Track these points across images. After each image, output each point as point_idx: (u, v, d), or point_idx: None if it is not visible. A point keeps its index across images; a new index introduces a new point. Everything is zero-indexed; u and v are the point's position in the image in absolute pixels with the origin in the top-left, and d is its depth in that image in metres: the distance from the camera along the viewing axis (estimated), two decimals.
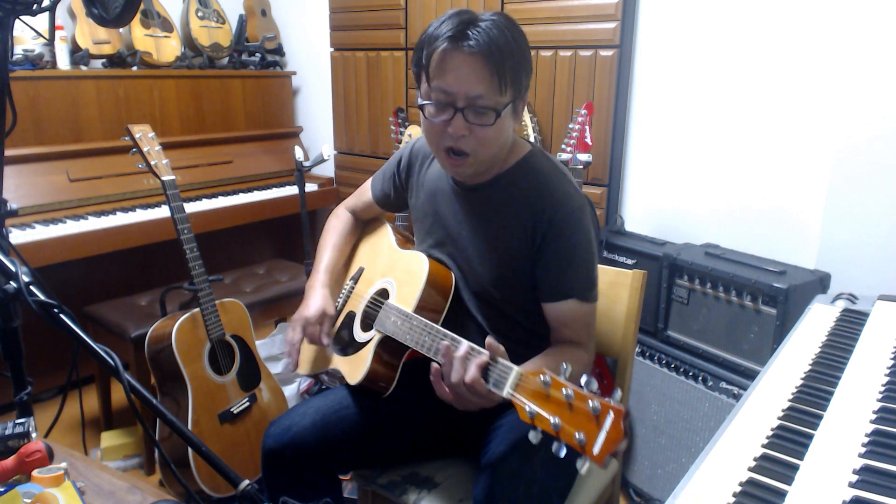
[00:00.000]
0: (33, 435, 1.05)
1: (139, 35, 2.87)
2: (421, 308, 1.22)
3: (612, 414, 0.81)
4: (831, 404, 0.93)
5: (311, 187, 3.19)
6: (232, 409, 1.92)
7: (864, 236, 1.82)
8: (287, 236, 3.52)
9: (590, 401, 0.83)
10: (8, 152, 1.52)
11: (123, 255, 2.57)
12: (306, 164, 2.17)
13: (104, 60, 2.79)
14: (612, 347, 1.46)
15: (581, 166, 2.08)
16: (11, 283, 0.99)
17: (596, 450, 0.81)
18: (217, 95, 3.13)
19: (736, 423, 0.89)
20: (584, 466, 0.81)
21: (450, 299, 1.27)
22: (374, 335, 1.27)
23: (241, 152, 3.16)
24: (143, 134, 1.83)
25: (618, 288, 1.45)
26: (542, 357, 1.17)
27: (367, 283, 1.42)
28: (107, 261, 2.57)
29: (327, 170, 3.38)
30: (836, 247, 1.88)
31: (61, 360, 2.52)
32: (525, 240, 1.21)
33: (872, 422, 0.87)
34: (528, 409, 0.89)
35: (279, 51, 3.54)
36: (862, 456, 0.79)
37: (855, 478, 0.74)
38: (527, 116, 2.41)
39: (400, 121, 2.80)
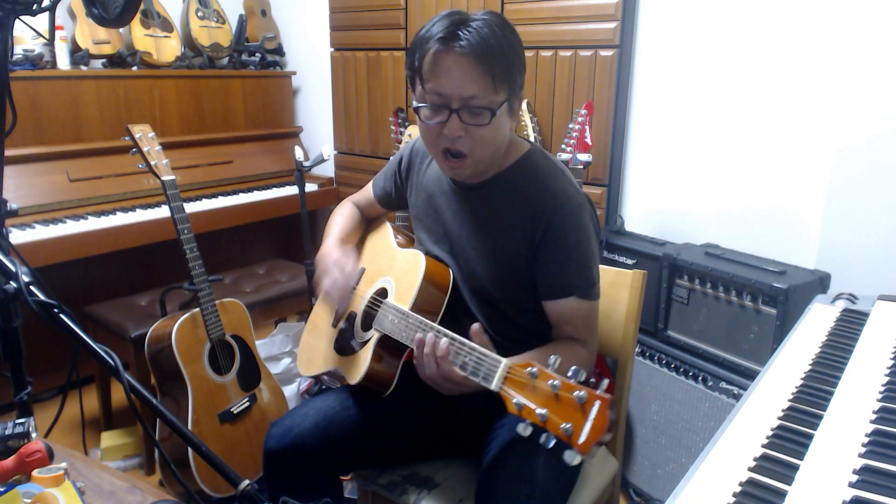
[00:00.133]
0: (33, 435, 1.05)
1: (139, 35, 2.87)
2: (418, 306, 1.22)
3: (598, 403, 0.81)
4: (831, 404, 0.93)
5: (311, 187, 3.19)
6: (232, 409, 1.92)
7: (864, 236, 1.82)
8: (287, 236, 3.52)
9: (576, 391, 0.83)
10: (8, 152, 1.52)
11: (123, 255, 2.57)
12: (306, 164, 2.17)
13: (104, 60, 2.79)
14: (612, 347, 1.46)
15: (581, 166, 2.08)
16: (11, 283, 0.99)
17: (582, 439, 0.80)
18: (217, 95, 3.13)
19: (736, 423, 0.89)
20: (573, 458, 0.80)
21: (447, 297, 1.27)
22: (373, 334, 1.27)
23: (241, 152, 3.16)
24: (143, 134, 1.83)
25: (618, 288, 1.45)
26: (536, 351, 1.17)
27: (368, 282, 1.42)
28: (107, 261, 2.57)
29: (327, 170, 3.38)
30: (836, 247, 1.88)
31: (61, 360, 2.51)
32: (524, 239, 1.21)
33: (872, 422, 0.87)
34: (515, 400, 0.89)
35: (279, 51, 3.54)
36: (862, 456, 0.79)
37: (855, 478, 0.74)
38: (527, 116, 2.41)
39: (400, 121, 2.81)
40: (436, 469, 1.37)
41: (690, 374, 1.89)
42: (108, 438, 2.24)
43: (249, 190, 3.02)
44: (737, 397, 1.77)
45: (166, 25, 2.99)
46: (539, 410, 0.85)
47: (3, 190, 1.34)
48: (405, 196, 1.46)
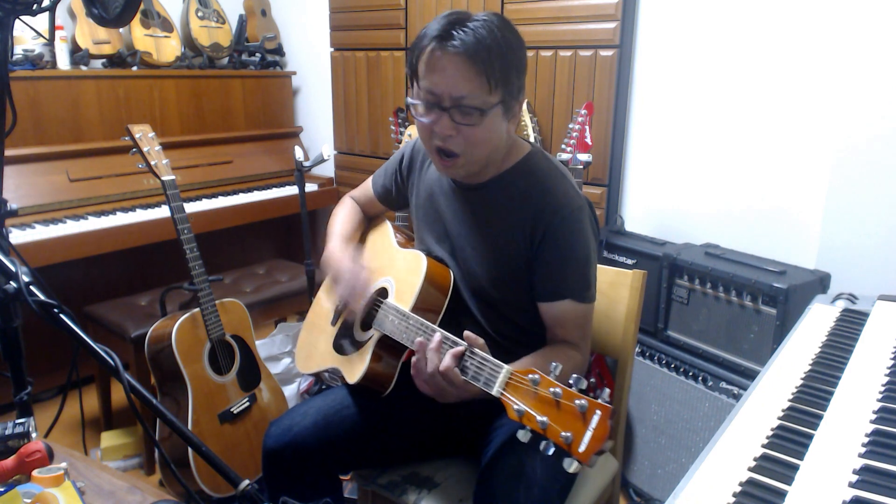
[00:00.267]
0: (33, 435, 1.05)
1: (139, 35, 2.87)
2: (419, 307, 1.22)
3: (598, 412, 0.81)
4: (831, 404, 0.93)
5: (311, 187, 3.19)
6: (232, 409, 1.92)
7: (864, 236, 1.82)
8: (287, 236, 3.52)
9: (577, 399, 0.83)
10: (8, 152, 1.52)
11: (123, 255, 2.57)
12: (306, 164, 2.17)
13: (104, 60, 2.79)
14: (612, 347, 1.46)
15: (581, 166, 2.08)
16: (11, 283, 0.99)
17: (582, 448, 0.81)
18: (217, 95, 3.13)
19: (736, 423, 0.89)
20: (571, 465, 0.81)
21: (448, 298, 1.27)
22: (372, 334, 1.27)
23: (241, 152, 3.16)
24: (143, 134, 1.83)
25: (618, 288, 1.45)
26: (533, 356, 1.17)
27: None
28: (107, 261, 2.57)
29: (327, 170, 3.38)
30: (836, 247, 1.88)
31: (61, 360, 2.51)
32: (523, 241, 1.20)
33: (872, 422, 0.87)
34: (516, 407, 0.90)
35: (279, 51, 3.54)
36: (862, 456, 0.79)
37: (855, 478, 0.74)
38: (527, 116, 2.41)
39: (400, 121, 2.81)
40: (436, 469, 1.37)
41: (690, 374, 1.89)
42: (108, 438, 2.24)
43: (249, 190, 3.02)
44: (737, 397, 1.77)
45: (166, 25, 2.99)
46: (540, 418, 0.85)
47: (3, 190, 1.34)
48: (405, 194, 1.46)
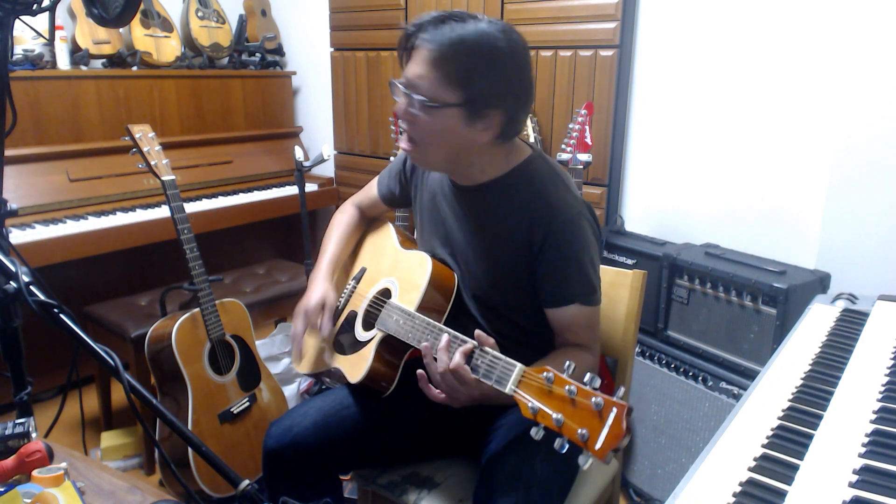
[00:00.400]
0: (33, 435, 1.05)
1: (139, 35, 2.87)
2: (423, 308, 1.22)
3: (615, 410, 0.82)
4: (831, 404, 0.93)
5: (311, 187, 3.19)
6: (232, 409, 1.92)
7: (864, 236, 1.82)
8: (287, 236, 3.52)
9: (593, 397, 0.83)
10: (8, 152, 1.52)
11: (123, 255, 2.56)
12: (306, 164, 2.17)
13: (104, 60, 2.79)
14: (612, 347, 1.46)
15: (581, 166, 2.08)
16: (11, 283, 0.99)
17: (598, 445, 0.81)
18: (217, 95, 3.13)
19: (736, 423, 0.89)
20: (586, 463, 0.81)
21: (452, 300, 1.27)
22: (375, 334, 1.27)
23: (241, 152, 3.16)
24: (143, 134, 1.83)
25: (618, 288, 1.45)
26: (545, 359, 1.17)
27: (370, 282, 1.42)
28: (107, 261, 2.57)
29: (327, 170, 3.38)
30: (836, 247, 1.88)
31: (61, 360, 2.51)
32: (521, 247, 1.20)
33: (872, 422, 0.87)
34: (530, 405, 0.90)
35: (279, 51, 3.54)
36: (862, 456, 0.79)
37: (855, 478, 0.74)
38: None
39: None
40: (436, 469, 1.37)
41: (690, 374, 1.89)
42: (108, 438, 2.24)
43: (249, 190, 3.02)
44: (737, 397, 1.77)
45: (166, 25, 2.99)
46: (555, 415, 0.86)
47: (3, 190, 1.34)
48: (409, 195, 1.46)
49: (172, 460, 1.85)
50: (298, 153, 2.17)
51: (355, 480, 1.44)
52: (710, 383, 1.84)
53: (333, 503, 1.32)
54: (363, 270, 1.48)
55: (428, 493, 1.30)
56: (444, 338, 1.07)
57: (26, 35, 2.48)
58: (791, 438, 0.84)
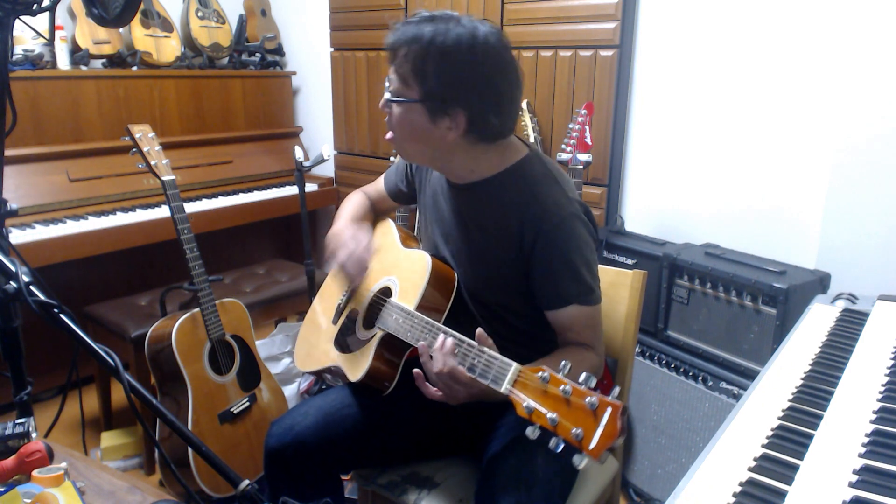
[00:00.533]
0: (33, 435, 1.05)
1: (139, 35, 2.87)
2: (423, 306, 1.22)
3: (609, 409, 0.82)
4: (831, 404, 0.93)
5: (311, 187, 3.19)
6: (232, 409, 1.92)
7: (864, 236, 1.82)
8: (287, 236, 3.52)
9: (588, 397, 0.83)
10: (8, 152, 1.52)
11: (123, 255, 2.57)
12: (306, 164, 2.17)
13: (104, 60, 2.79)
14: (612, 347, 1.47)
15: (581, 166, 2.08)
16: (11, 283, 0.99)
17: (592, 444, 0.81)
18: (217, 95, 3.13)
19: (736, 423, 0.89)
20: (581, 462, 0.81)
21: (452, 298, 1.27)
22: (376, 332, 1.27)
23: (241, 152, 3.15)
24: (143, 134, 1.83)
25: (618, 288, 1.45)
26: (545, 359, 1.17)
27: (371, 280, 1.42)
28: (107, 261, 2.57)
29: (327, 170, 3.38)
30: (836, 247, 1.88)
31: (61, 360, 2.51)
32: (512, 246, 1.20)
33: (872, 422, 0.87)
34: (525, 404, 0.90)
35: (279, 51, 3.54)
36: (862, 456, 0.79)
37: (855, 478, 0.74)
38: (527, 116, 2.41)
39: None
40: (436, 469, 1.37)
41: (690, 374, 1.89)
42: (108, 438, 2.24)
43: (249, 190, 3.02)
44: (737, 397, 1.77)
45: (166, 25, 2.99)
46: (550, 415, 0.86)
47: (3, 190, 1.34)
48: (415, 192, 1.46)
49: (172, 460, 1.85)
50: (298, 153, 2.17)
51: (355, 480, 1.44)
52: (710, 383, 1.84)
53: (334, 503, 1.32)
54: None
55: (428, 493, 1.30)
56: (440, 338, 1.08)
57: (26, 35, 2.48)
58: (791, 438, 0.84)
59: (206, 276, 1.85)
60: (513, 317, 1.28)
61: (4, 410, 2.43)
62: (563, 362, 0.90)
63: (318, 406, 1.34)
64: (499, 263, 1.23)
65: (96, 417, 2.36)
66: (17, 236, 2.17)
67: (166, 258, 2.78)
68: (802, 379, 1.02)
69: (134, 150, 1.82)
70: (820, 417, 0.89)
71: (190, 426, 1.80)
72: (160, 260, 2.81)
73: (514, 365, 0.96)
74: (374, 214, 1.59)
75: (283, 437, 1.29)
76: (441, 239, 1.34)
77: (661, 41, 2.27)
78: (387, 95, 1.19)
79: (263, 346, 2.38)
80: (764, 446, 0.83)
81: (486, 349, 1.02)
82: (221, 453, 1.85)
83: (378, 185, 1.58)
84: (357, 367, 1.27)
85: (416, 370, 1.11)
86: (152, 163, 1.81)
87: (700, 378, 1.86)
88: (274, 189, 3.08)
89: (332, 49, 3.21)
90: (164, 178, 1.80)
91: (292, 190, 3.07)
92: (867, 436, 0.83)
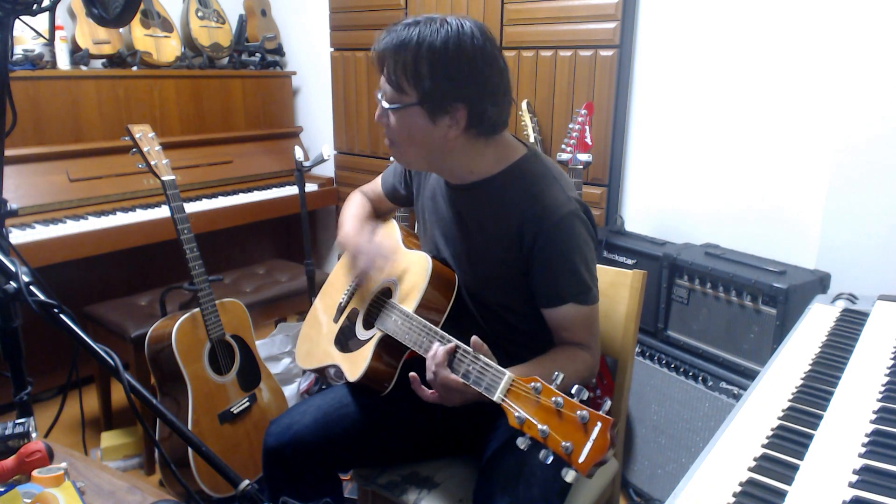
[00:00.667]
0: (33, 435, 1.05)
1: (139, 35, 2.87)
2: (423, 308, 1.22)
3: (599, 424, 0.82)
4: (831, 404, 0.93)
5: (311, 187, 3.19)
6: (232, 409, 1.92)
7: (864, 236, 1.82)
8: (287, 236, 3.52)
9: (578, 410, 0.84)
10: (8, 152, 1.52)
11: (123, 255, 2.57)
12: (306, 164, 2.17)
13: (104, 60, 2.79)
14: (612, 347, 1.46)
15: (581, 166, 2.08)
16: (11, 283, 0.99)
17: (581, 458, 0.82)
18: (217, 95, 3.13)
19: (736, 423, 0.89)
20: (568, 474, 0.82)
21: (452, 300, 1.27)
22: (375, 333, 1.27)
23: (241, 152, 3.16)
24: (143, 134, 1.83)
25: (618, 288, 1.45)
26: (541, 360, 1.17)
27: (372, 281, 1.42)
28: (107, 261, 2.57)
29: (327, 170, 3.38)
30: (836, 247, 1.88)
31: (61, 360, 2.52)
32: (511, 247, 1.20)
33: (872, 422, 0.87)
34: (517, 414, 0.90)
35: (279, 51, 3.54)
36: (862, 456, 0.79)
37: (855, 478, 0.74)
38: (527, 116, 2.41)
39: None
40: (436, 469, 1.37)
41: (690, 374, 1.89)
42: (108, 438, 2.24)
43: (249, 190, 3.02)
44: (737, 397, 1.77)
45: (166, 25, 2.99)
46: (541, 426, 0.86)
47: (3, 190, 1.34)
48: (412, 193, 1.46)
49: (172, 460, 1.85)
50: (298, 153, 2.17)
51: (355, 480, 1.44)
52: (710, 383, 1.84)
53: (333, 503, 1.32)
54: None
55: (428, 493, 1.30)
56: (434, 347, 1.09)
57: (26, 35, 2.48)
58: (791, 438, 0.84)
59: (206, 276, 1.85)
60: (513, 317, 1.28)
61: (4, 410, 2.43)
62: (555, 373, 0.90)
63: (317, 405, 1.34)
64: (499, 263, 1.23)
65: (96, 417, 2.36)
66: (17, 236, 2.17)
67: (166, 258, 2.78)
68: (802, 379, 1.02)
69: (134, 150, 1.82)
70: (820, 417, 0.89)
71: (190, 426, 1.80)
72: (160, 260, 2.81)
73: (508, 374, 0.96)
74: (374, 217, 1.60)
75: (281, 436, 1.29)
76: (441, 240, 1.34)
77: (661, 41, 2.26)
78: (383, 105, 1.17)
79: (263, 346, 2.38)
80: (764, 446, 0.83)
81: (481, 356, 1.02)
82: (221, 453, 1.85)
83: (375, 187, 1.57)
84: (356, 367, 1.27)
85: (412, 374, 1.11)
86: (152, 163, 1.81)
87: (700, 378, 1.86)
88: (274, 189, 3.08)
89: (332, 49, 3.21)
90: (164, 178, 1.80)
91: (292, 190, 3.07)
92: (867, 436, 0.83)
